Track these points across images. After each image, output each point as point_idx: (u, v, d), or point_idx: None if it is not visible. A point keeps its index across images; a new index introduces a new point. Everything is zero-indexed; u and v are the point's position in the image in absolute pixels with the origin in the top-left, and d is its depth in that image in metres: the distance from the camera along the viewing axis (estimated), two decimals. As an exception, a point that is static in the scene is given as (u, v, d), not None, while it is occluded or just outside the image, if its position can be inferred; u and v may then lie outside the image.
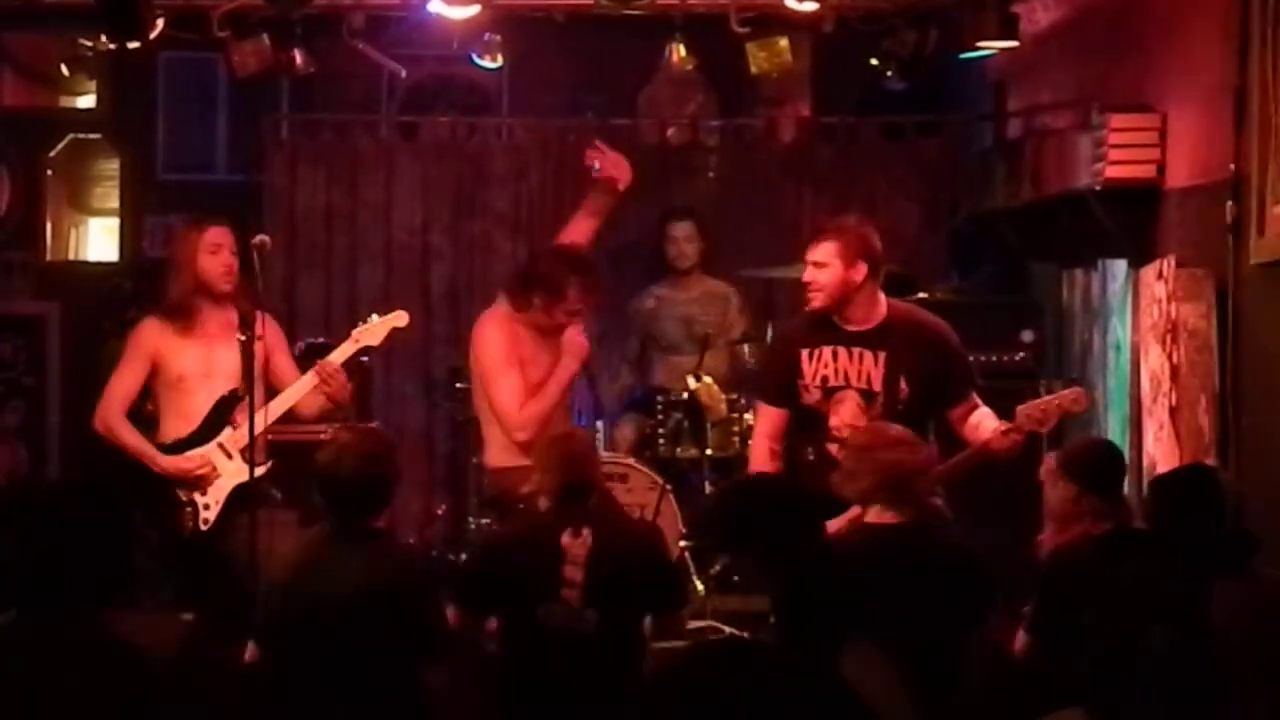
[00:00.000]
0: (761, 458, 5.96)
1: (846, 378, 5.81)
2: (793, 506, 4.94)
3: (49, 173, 9.31)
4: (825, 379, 5.83)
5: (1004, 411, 5.74)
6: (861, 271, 5.78)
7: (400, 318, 6.35)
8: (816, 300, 5.82)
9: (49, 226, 9.33)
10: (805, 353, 5.85)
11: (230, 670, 5.15)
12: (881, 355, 5.79)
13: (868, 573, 4.98)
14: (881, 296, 5.87)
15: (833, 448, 5.79)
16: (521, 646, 5.24)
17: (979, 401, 5.89)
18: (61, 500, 3.99)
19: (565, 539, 5.18)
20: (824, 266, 5.79)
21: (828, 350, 5.83)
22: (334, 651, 4.88)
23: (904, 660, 4.78)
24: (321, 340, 7.86)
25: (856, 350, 5.80)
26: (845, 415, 5.80)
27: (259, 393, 6.02)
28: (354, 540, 4.99)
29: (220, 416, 6.13)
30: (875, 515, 5.17)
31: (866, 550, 5.11)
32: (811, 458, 5.90)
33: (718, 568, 7.78)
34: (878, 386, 5.79)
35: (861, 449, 5.30)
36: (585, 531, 5.18)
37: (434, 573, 7.71)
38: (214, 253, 6.17)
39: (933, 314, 6.05)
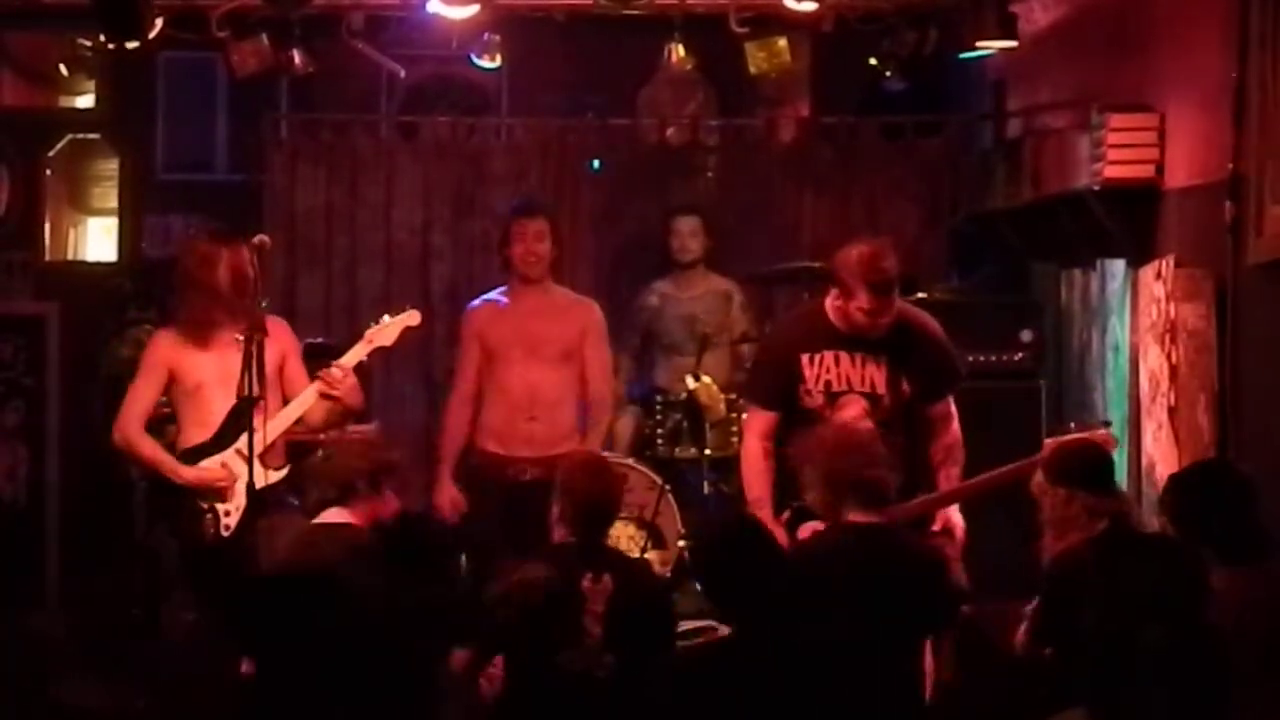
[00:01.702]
0: (755, 457, 5.92)
1: (849, 382, 5.80)
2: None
3: (48, 172, 9.30)
4: (828, 384, 5.81)
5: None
6: None
7: (413, 317, 6.39)
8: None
9: (48, 226, 9.32)
10: (806, 357, 5.82)
11: (228, 675, 5.18)
12: (884, 358, 5.79)
13: (833, 568, 5.04)
14: None
15: None
16: (533, 690, 5.14)
17: (953, 411, 5.91)
18: None
19: (586, 584, 5.11)
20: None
21: (829, 355, 5.81)
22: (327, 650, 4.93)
23: (864, 657, 4.82)
24: (321, 340, 7.86)
25: (859, 355, 5.79)
26: (849, 420, 5.79)
27: (274, 397, 6.01)
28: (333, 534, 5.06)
29: (237, 422, 6.09)
30: (852, 515, 5.21)
31: (832, 547, 5.17)
32: None
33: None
34: (882, 389, 5.79)
35: (809, 460, 5.34)
36: (606, 577, 5.11)
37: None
38: (237, 275, 6.15)
39: (925, 312, 6.07)
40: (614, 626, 5.10)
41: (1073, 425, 5.85)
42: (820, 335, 5.83)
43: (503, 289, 7.13)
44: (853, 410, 5.79)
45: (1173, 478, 5.16)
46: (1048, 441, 5.65)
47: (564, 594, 5.11)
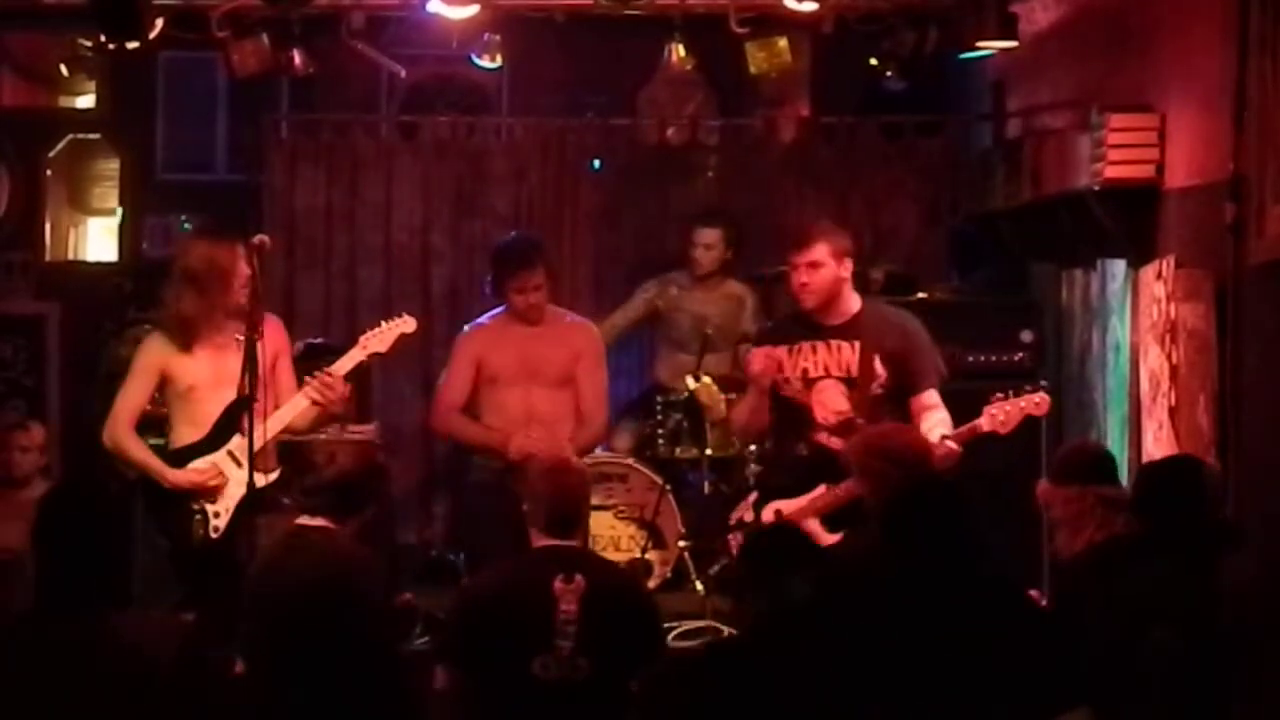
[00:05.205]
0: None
1: (826, 368, 6.12)
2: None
3: (49, 173, 9.31)
4: (805, 371, 6.13)
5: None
6: (848, 268, 6.16)
7: (408, 324, 6.37)
8: (810, 301, 6.12)
9: (49, 226, 9.34)
10: (785, 350, 6.16)
11: (225, 674, 5.17)
12: (857, 343, 6.09)
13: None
14: (854, 293, 6.21)
15: (822, 437, 6.07)
16: (510, 698, 4.99)
17: (938, 401, 6.10)
18: (67, 502, 4.05)
19: (557, 585, 4.97)
20: (820, 266, 6.09)
21: (807, 345, 6.14)
22: (300, 647, 4.94)
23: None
24: (321, 340, 7.87)
25: (835, 343, 6.12)
26: (829, 403, 6.08)
27: (269, 397, 5.99)
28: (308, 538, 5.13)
29: (230, 423, 6.08)
30: None
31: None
32: (804, 452, 6.15)
33: (717, 568, 7.78)
34: (856, 372, 6.07)
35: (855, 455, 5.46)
36: (578, 577, 4.99)
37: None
38: (235, 273, 6.13)
39: (909, 314, 6.34)
40: (589, 629, 4.95)
41: (998, 395, 5.93)
42: (797, 328, 6.19)
43: (497, 313, 7.03)
44: (830, 394, 6.08)
45: (1140, 470, 5.22)
46: (986, 409, 5.86)
47: (532, 597, 4.97)
